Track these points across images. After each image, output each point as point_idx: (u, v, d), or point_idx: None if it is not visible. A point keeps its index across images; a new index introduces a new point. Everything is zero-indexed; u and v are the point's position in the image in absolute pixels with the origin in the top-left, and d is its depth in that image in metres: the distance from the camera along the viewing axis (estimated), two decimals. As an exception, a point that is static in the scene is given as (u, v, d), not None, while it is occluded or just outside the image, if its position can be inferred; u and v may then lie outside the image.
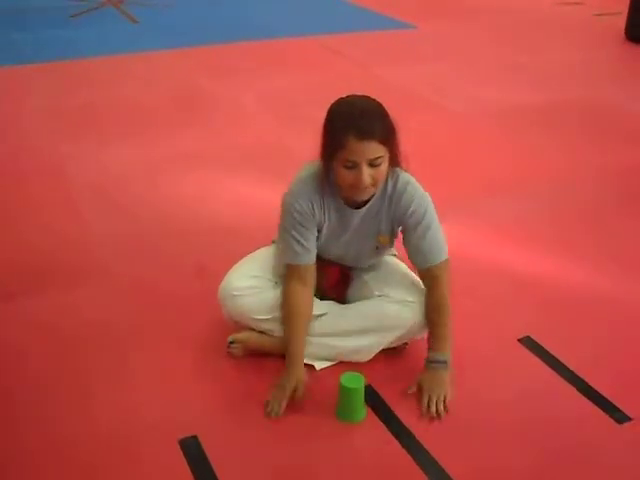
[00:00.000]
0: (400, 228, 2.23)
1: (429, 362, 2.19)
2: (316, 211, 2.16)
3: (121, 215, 3.25)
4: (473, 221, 3.21)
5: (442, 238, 2.22)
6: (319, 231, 2.21)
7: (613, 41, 6.30)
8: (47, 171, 3.68)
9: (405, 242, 2.24)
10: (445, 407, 2.10)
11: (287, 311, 2.21)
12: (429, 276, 2.22)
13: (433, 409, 2.09)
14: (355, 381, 2.06)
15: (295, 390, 2.10)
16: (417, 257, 2.22)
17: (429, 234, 2.18)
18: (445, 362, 2.17)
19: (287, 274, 2.25)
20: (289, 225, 2.18)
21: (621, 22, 6.35)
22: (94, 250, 2.97)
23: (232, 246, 2.59)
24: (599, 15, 7.08)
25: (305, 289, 2.21)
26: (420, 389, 2.16)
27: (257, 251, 2.42)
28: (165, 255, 2.93)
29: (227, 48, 5.89)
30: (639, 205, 3.43)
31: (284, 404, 2.08)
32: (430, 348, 2.20)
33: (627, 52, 6.07)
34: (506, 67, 5.48)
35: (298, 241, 2.18)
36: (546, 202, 3.42)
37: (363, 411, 2.09)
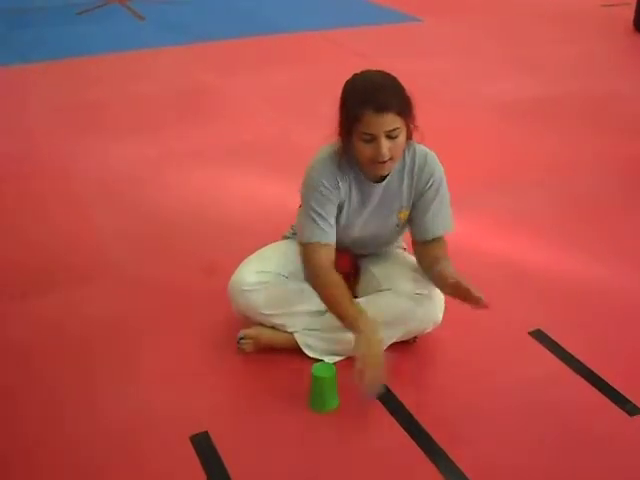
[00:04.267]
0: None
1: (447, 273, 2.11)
2: (340, 186, 2.16)
3: (128, 213, 3.26)
4: (475, 213, 3.20)
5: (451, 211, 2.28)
6: (340, 211, 2.21)
7: (621, 32, 6.27)
8: (54, 170, 3.68)
9: (418, 212, 2.24)
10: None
11: (324, 283, 2.16)
12: (434, 245, 2.23)
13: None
14: (326, 370, 2.08)
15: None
16: (431, 226, 2.23)
17: (445, 204, 2.24)
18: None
19: (307, 256, 2.21)
20: (314, 201, 2.16)
21: (629, 13, 6.31)
22: (102, 248, 2.97)
23: (241, 242, 2.59)
24: (607, 6, 7.04)
25: (333, 269, 2.18)
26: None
27: (267, 246, 2.42)
28: (174, 252, 2.93)
29: (232, 44, 5.89)
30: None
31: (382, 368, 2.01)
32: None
33: (635, 43, 6.03)
34: (510, 59, 5.46)
35: (323, 218, 2.16)
36: (549, 194, 3.41)
37: (335, 401, 2.10)
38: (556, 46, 5.82)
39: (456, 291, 2.07)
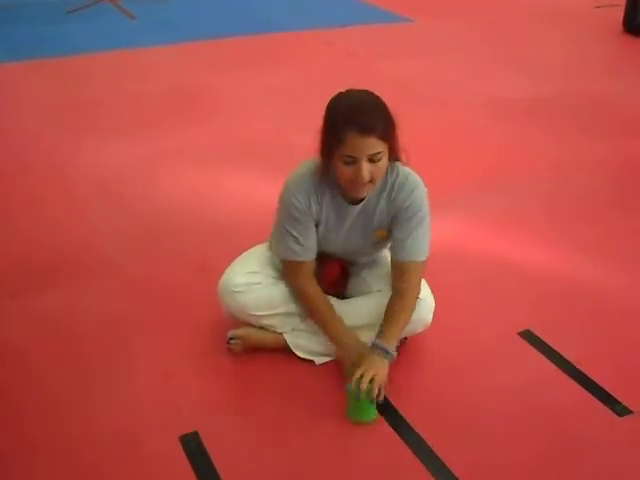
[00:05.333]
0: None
1: (376, 347, 2.09)
2: (313, 207, 2.15)
3: (123, 211, 3.25)
4: (469, 214, 3.20)
5: (428, 238, 2.19)
6: (316, 227, 2.20)
7: (611, 33, 6.28)
8: (49, 168, 3.67)
9: (395, 232, 2.18)
10: (382, 393, 2.02)
11: (314, 308, 2.22)
12: (403, 270, 2.17)
13: (365, 384, 1.99)
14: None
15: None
16: (399, 249, 2.17)
17: (419, 230, 2.16)
18: (392, 355, 2.10)
19: (285, 270, 2.25)
20: (286, 221, 2.17)
21: (619, 14, 6.33)
22: (97, 246, 2.97)
23: (233, 242, 2.58)
24: (601, 7, 7.06)
25: (312, 282, 2.23)
26: (357, 365, 2.06)
27: (257, 247, 2.41)
28: (166, 251, 2.92)
29: (225, 43, 5.87)
30: (637, 196, 3.42)
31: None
32: (380, 336, 2.11)
33: (625, 44, 6.04)
34: (503, 60, 5.46)
35: (295, 238, 2.17)
36: (542, 195, 3.42)
37: (373, 411, 2.07)
38: (549, 46, 5.83)
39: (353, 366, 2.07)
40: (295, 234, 2.17)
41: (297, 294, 2.25)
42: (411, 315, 2.16)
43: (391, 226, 2.19)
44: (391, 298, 2.18)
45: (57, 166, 3.68)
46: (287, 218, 2.17)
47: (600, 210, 3.28)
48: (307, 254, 2.20)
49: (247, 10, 6.97)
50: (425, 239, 2.18)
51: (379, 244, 2.31)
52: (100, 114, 4.39)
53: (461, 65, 5.35)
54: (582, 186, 3.51)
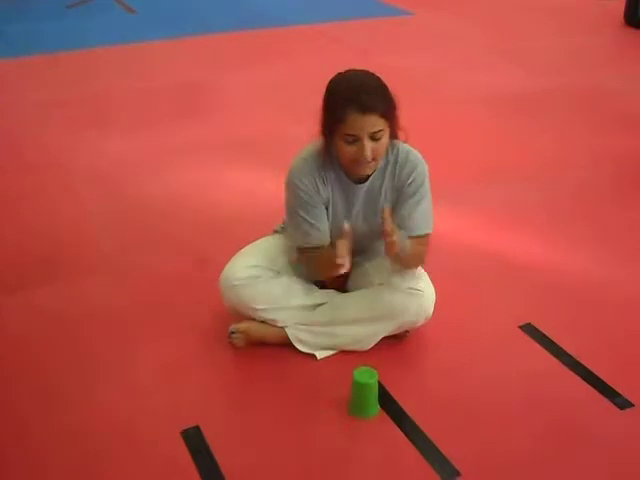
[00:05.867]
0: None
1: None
2: (320, 188, 2.15)
3: (125, 206, 3.25)
4: (465, 207, 3.20)
5: (431, 211, 2.23)
6: (326, 210, 2.20)
7: (611, 26, 6.26)
8: (51, 164, 3.67)
9: (399, 209, 2.20)
10: None
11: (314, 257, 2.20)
12: (413, 243, 2.17)
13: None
14: (368, 376, 2.04)
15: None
16: (405, 224, 2.18)
17: (423, 204, 2.19)
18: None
19: (306, 260, 2.22)
20: (296, 205, 2.16)
21: (620, 7, 6.32)
22: (99, 241, 2.98)
23: (234, 236, 2.59)
24: (600, 0, 7.04)
25: None
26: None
27: (258, 241, 2.41)
28: (168, 245, 2.93)
29: (225, 37, 5.86)
30: (634, 190, 3.42)
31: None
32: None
33: (625, 37, 6.03)
34: (502, 53, 5.45)
35: (308, 221, 2.16)
36: (540, 188, 3.41)
37: (376, 407, 2.07)
38: (548, 39, 5.81)
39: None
40: (309, 219, 2.16)
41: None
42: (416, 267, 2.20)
43: (397, 203, 2.20)
44: None
45: (59, 162, 3.68)
46: (298, 204, 2.16)
47: (597, 204, 3.28)
48: (324, 238, 2.19)
49: (245, 4, 6.96)
50: (429, 212, 2.21)
51: None
52: (101, 109, 4.39)
53: (460, 58, 5.34)
54: (579, 179, 3.50)
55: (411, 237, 2.17)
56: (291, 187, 2.16)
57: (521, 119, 4.21)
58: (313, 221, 2.16)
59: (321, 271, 2.24)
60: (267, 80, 4.86)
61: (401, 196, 2.19)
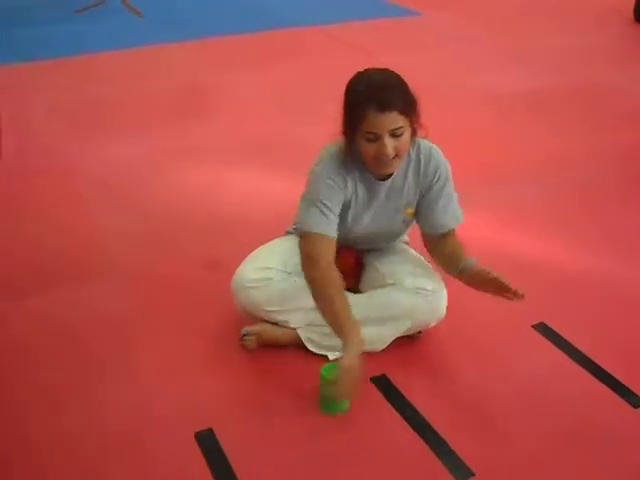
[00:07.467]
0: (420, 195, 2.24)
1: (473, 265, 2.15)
2: (348, 185, 2.15)
3: (131, 210, 3.25)
4: (474, 208, 3.14)
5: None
6: (346, 208, 2.19)
7: (621, 23, 6.25)
8: (56, 168, 3.67)
9: (426, 207, 2.23)
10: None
11: (324, 280, 2.08)
12: (448, 238, 2.24)
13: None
14: (335, 372, 2.00)
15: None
16: (442, 221, 2.23)
17: (453, 197, 2.24)
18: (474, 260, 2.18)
19: (308, 246, 2.14)
20: (323, 194, 2.11)
21: (630, 3, 6.29)
22: (104, 246, 2.97)
23: (243, 238, 2.59)
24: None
25: (334, 267, 2.12)
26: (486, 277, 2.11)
27: (270, 242, 2.41)
28: (177, 249, 2.92)
29: (232, 39, 5.87)
30: (638, 187, 3.40)
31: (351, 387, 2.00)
32: (464, 261, 2.17)
33: (634, 34, 6.01)
34: (509, 53, 5.44)
35: (330, 209, 2.13)
36: (545, 187, 3.40)
37: (345, 403, 2.07)
38: (556, 37, 5.80)
39: (495, 286, 2.09)
40: (329, 205, 2.11)
41: (312, 270, 2.10)
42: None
43: (420, 202, 2.23)
44: (453, 265, 2.19)
45: (64, 166, 3.68)
46: (323, 191, 2.11)
47: (606, 202, 3.27)
48: (331, 229, 2.13)
49: (253, 6, 6.97)
50: (458, 204, 2.27)
51: (405, 223, 2.31)
52: (106, 113, 4.39)
53: (467, 58, 5.33)
54: (586, 176, 3.49)
55: (445, 232, 2.23)
56: (319, 177, 2.13)
57: (528, 119, 4.20)
58: (328, 211, 2.13)
59: (317, 299, 2.13)
60: (276, 82, 4.87)
61: (430, 193, 2.21)
